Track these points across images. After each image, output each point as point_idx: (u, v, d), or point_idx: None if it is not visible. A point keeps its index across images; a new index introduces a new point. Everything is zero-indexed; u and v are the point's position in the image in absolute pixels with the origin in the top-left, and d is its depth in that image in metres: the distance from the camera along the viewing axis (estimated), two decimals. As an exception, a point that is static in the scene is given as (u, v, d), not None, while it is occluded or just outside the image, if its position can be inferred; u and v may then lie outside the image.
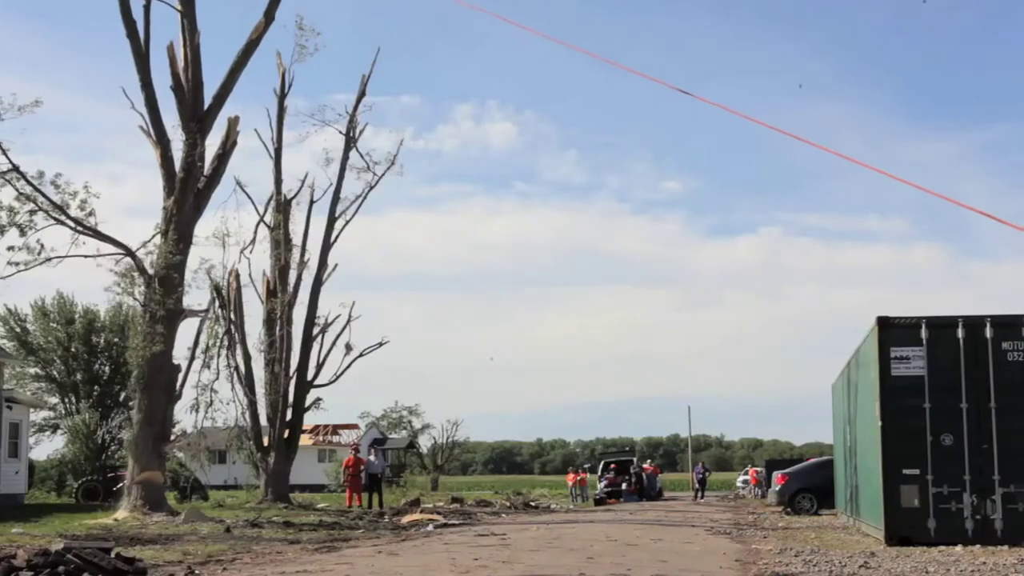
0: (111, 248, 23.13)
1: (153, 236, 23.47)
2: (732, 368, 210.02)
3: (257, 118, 50.51)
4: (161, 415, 22.86)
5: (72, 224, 22.70)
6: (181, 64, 23.96)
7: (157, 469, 22.44)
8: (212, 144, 24.60)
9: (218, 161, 24.67)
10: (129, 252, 23.09)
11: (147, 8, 23.71)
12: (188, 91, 23.83)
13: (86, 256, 23.06)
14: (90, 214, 22.89)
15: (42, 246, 22.46)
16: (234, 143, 25.21)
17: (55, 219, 22.63)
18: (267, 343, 32.31)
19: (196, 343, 25.42)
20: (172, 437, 25.19)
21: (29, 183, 22.24)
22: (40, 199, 22.41)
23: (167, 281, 22.78)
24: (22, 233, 22.30)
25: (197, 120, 23.87)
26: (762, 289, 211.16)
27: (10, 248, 22.15)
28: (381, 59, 36.87)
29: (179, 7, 24.32)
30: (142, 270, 22.99)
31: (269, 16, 25.01)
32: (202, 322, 25.72)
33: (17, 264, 22.08)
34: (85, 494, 36.95)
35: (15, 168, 22.03)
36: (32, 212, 22.39)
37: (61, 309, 47.35)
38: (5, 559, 9.67)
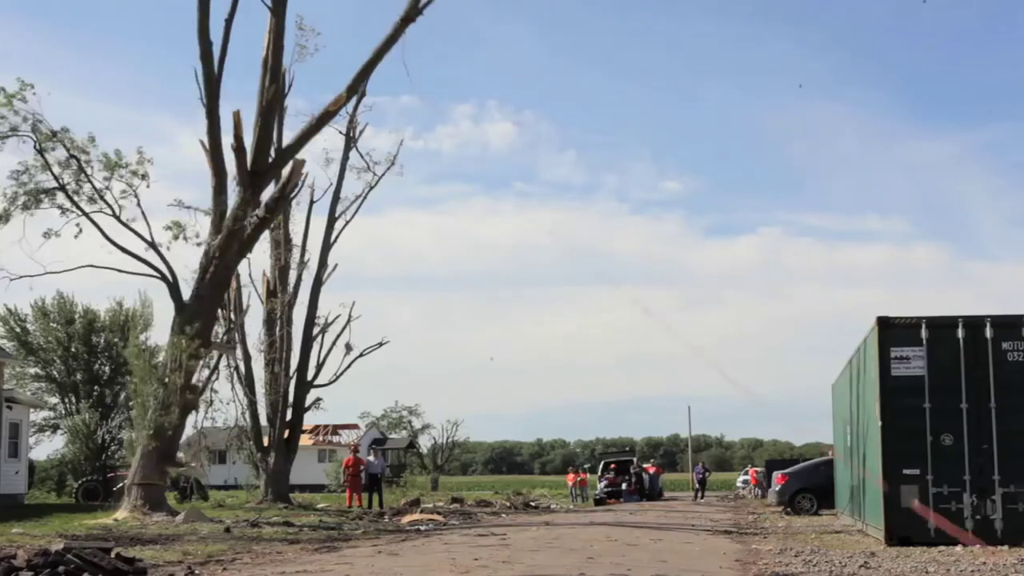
0: (146, 269, 22.77)
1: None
2: (732, 368, 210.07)
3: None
4: (170, 427, 22.47)
5: (114, 211, 22.36)
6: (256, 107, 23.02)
7: (159, 480, 22.34)
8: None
9: (274, 204, 23.20)
10: (163, 276, 22.65)
11: (228, 22, 21.85)
12: (251, 152, 22.38)
13: (121, 271, 22.77)
14: (143, 176, 22.49)
15: (80, 229, 22.18)
16: (295, 186, 23.85)
17: (100, 200, 22.20)
18: (267, 343, 32.35)
19: (215, 368, 25.08)
20: (178, 454, 24.93)
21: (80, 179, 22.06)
22: (87, 164, 21.99)
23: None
24: (63, 213, 22.02)
25: (255, 173, 22.31)
26: (762, 289, 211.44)
27: (46, 234, 21.90)
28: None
29: (269, 3, 22.75)
30: (175, 296, 22.46)
31: (352, 90, 23.49)
32: (220, 355, 25.48)
33: (46, 265, 21.81)
34: (85, 494, 36.95)
35: (67, 145, 21.79)
36: (77, 176, 21.90)
37: (61, 309, 47.26)
38: (5, 559, 9.67)
